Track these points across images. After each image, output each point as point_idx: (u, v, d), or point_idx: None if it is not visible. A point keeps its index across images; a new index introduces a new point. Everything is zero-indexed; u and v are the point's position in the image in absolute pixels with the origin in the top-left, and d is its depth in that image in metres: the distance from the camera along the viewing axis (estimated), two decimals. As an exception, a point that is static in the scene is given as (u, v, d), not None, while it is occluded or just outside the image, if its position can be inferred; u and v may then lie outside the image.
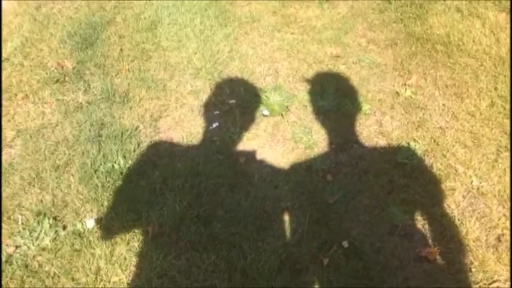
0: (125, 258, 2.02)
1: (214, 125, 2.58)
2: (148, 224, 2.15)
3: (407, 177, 2.25)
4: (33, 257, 2.06)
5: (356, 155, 2.40)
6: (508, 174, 2.22)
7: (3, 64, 3.11)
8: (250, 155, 2.45)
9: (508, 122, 2.44)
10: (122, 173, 2.38)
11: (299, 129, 2.55)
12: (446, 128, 2.47)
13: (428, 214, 2.11)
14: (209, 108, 2.70)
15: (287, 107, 2.68)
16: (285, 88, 2.79)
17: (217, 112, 2.68)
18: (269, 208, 2.19)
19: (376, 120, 2.55)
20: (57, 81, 2.95)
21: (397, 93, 2.68)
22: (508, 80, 2.62)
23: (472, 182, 2.22)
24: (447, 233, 2.03)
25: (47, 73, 3.00)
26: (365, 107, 2.60)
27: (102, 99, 2.81)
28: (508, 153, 2.31)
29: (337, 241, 2.04)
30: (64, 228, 2.17)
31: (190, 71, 2.95)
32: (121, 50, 3.17)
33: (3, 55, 3.19)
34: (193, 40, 3.18)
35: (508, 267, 1.90)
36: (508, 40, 2.85)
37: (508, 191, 2.16)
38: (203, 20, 3.35)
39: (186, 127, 2.62)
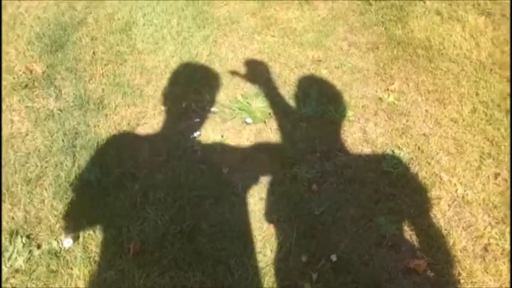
0: (105, 279, 1.92)
1: (195, 134, 2.49)
2: (129, 240, 2.05)
3: (393, 186, 2.23)
4: (6, 279, 1.94)
5: (341, 163, 2.36)
6: (492, 182, 2.23)
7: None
8: (234, 165, 2.38)
9: (490, 128, 2.45)
10: (99, 186, 2.26)
11: (283, 137, 2.49)
12: (430, 134, 2.46)
13: (415, 224, 2.09)
14: (189, 116, 2.61)
15: (269, 113, 2.61)
16: (267, 94, 2.72)
17: (198, 120, 2.59)
18: (255, 221, 2.13)
19: (360, 127, 2.52)
20: (25, 86, 2.79)
21: (380, 99, 2.65)
22: (489, 85, 2.63)
23: (457, 190, 2.21)
24: (434, 243, 2.02)
25: (14, 78, 2.83)
26: (349, 113, 2.57)
27: (75, 107, 2.67)
28: (491, 160, 2.31)
29: (325, 254, 1.99)
30: (38, 247, 2.05)
31: (168, 76, 2.85)
32: (93, 53, 3.03)
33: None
34: (171, 42, 3.07)
35: (496, 278, 1.90)
36: (488, 44, 2.86)
37: (493, 199, 2.16)
38: (180, 21, 3.24)
39: (166, 136, 2.52)
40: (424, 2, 3.28)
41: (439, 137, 2.44)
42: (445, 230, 2.06)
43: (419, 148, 2.39)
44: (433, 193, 2.20)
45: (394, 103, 2.62)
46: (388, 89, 2.70)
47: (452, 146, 2.39)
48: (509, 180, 2.23)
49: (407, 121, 2.53)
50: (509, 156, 2.32)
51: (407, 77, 2.77)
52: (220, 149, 2.44)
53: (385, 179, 2.26)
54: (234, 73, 2.85)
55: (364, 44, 3.04)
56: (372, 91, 2.72)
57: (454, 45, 2.92)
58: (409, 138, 2.44)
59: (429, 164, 2.32)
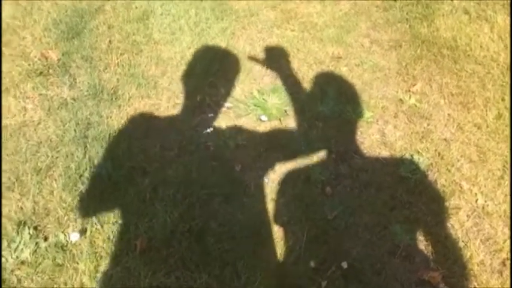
0: (111, 276, 1.89)
1: (208, 129, 2.44)
2: (137, 237, 2.01)
3: (411, 193, 2.15)
4: (12, 271, 1.92)
5: (357, 166, 2.29)
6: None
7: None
8: (246, 163, 2.32)
9: (515, 136, 2.34)
10: (109, 179, 2.23)
11: (298, 135, 2.42)
12: (451, 140, 2.36)
13: (431, 234, 2.01)
14: (203, 110, 2.56)
15: (285, 111, 2.54)
16: (284, 90, 2.65)
17: (212, 114, 2.53)
18: (265, 222, 2.07)
19: (378, 129, 2.44)
20: (40, 73, 2.76)
21: (400, 100, 2.56)
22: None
23: (477, 200, 2.12)
24: (450, 255, 1.94)
25: (29, 64, 2.81)
26: (367, 114, 2.48)
27: (88, 96, 2.64)
28: (515, 170, 2.21)
29: (336, 261, 1.93)
30: (45, 239, 2.02)
31: (184, 68, 2.79)
32: (110, 41, 2.98)
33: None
34: (188, 33, 3.01)
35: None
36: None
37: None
38: (198, 12, 3.17)
39: (179, 130, 2.46)
40: (452, 0, 3.14)
41: (460, 143, 2.34)
42: (463, 241, 1.97)
43: (439, 154, 2.29)
44: (452, 202, 2.11)
45: (415, 105, 2.52)
46: (409, 90, 2.60)
47: (474, 153, 2.29)
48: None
49: (428, 125, 2.43)
50: None
51: (431, 78, 2.67)
52: (234, 145, 2.38)
53: (402, 185, 2.18)
54: (251, 66, 2.77)
55: (386, 42, 2.93)
56: (393, 91, 2.62)
57: (481, 47, 2.80)
58: (430, 142, 2.35)
59: (449, 171, 2.22)
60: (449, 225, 2.04)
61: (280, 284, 1.86)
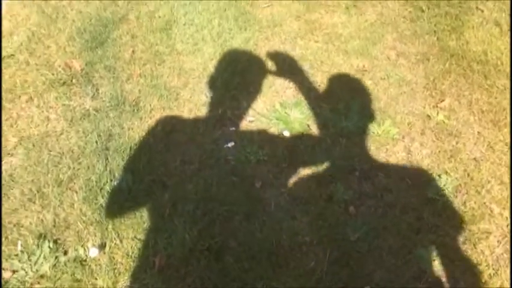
0: (129, 294, 1.87)
1: (229, 144, 2.40)
2: (155, 253, 1.99)
3: (438, 215, 2.07)
4: (31, 284, 1.91)
5: (381, 185, 2.22)
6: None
7: (8, 61, 2.93)
8: (267, 179, 2.28)
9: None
10: (129, 193, 2.21)
11: (320, 152, 2.36)
12: (482, 160, 2.27)
13: (459, 260, 1.93)
14: (224, 123, 2.52)
15: (308, 125, 2.49)
16: (307, 104, 2.59)
17: (233, 128, 2.49)
18: (286, 242, 2.02)
19: (404, 147, 2.36)
20: (64, 83, 2.77)
21: (428, 116, 2.48)
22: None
23: (508, 225, 2.04)
24: (479, 283, 1.85)
25: (53, 74, 2.82)
26: (393, 130, 2.41)
27: (111, 107, 2.63)
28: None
29: (358, 285, 1.87)
30: (65, 253, 2.02)
31: (206, 80, 2.76)
32: (133, 51, 2.98)
33: (9, 50, 3.00)
34: (210, 44, 2.98)
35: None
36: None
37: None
38: (221, 22, 3.14)
39: (200, 143, 2.44)
40: (482, 12, 3.04)
41: (491, 163, 2.25)
42: (493, 269, 1.89)
43: (468, 174, 2.21)
44: (482, 226, 2.02)
45: (443, 122, 2.44)
46: (437, 106, 2.52)
47: (505, 175, 2.20)
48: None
49: (457, 143, 2.35)
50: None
51: (460, 94, 2.58)
52: (255, 160, 2.34)
53: (429, 207, 2.10)
54: (273, 79, 2.73)
55: (413, 55, 2.85)
56: (420, 107, 2.54)
57: (513, 61, 2.70)
58: (458, 162, 2.26)
59: (479, 193, 2.14)
60: (478, 250, 1.95)
61: (301, 308, 1.81)
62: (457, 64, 2.73)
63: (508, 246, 1.96)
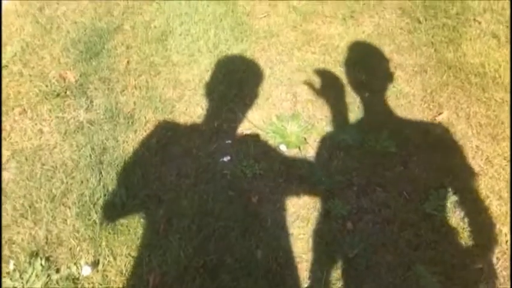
0: (122, 314, 1.83)
1: (225, 158, 2.37)
2: (149, 271, 1.96)
3: (436, 231, 2.05)
4: (23, 303, 1.87)
5: (379, 200, 2.19)
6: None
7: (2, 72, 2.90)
8: (264, 194, 2.25)
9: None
10: (123, 208, 2.18)
11: (318, 166, 2.33)
12: (480, 174, 2.25)
13: (458, 278, 1.90)
14: (221, 136, 2.49)
15: (305, 138, 2.46)
16: (304, 116, 2.57)
17: (230, 141, 2.46)
18: (283, 260, 1.99)
19: (402, 161, 2.34)
20: (57, 95, 2.73)
21: (426, 129, 2.45)
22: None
23: (507, 241, 2.01)
24: (480, 302, 1.82)
25: (47, 85, 2.78)
26: (390, 144, 2.38)
27: (105, 119, 2.60)
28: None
29: (357, 305, 1.84)
30: (57, 271, 1.98)
31: (202, 92, 2.73)
32: (128, 62, 2.95)
33: (2, 61, 2.97)
34: (206, 55, 2.96)
35: None
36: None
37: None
38: (218, 32, 3.12)
39: (195, 157, 2.40)
40: (480, 23, 3.03)
41: (490, 177, 2.23)
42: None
43: (467, 189, 2.18)
44: (481, 243, 1.99)
45: (441, 135, 2.41)
46: (435, 119, 2.50)
47: (504, 190, 2.18)
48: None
49: (455, 157, 2.32)
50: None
51: (458, 107, 2.56)
52: (251, 175, 2.31)
53: (427, 223, 2.07)
54: (270, 91, 2.70)
55: (411, 66, 2.83)
56: (417, 120, 2.52)
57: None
58: (456, 177, 2.24)
59: (478, 208, 2.11)
60: (478, 268, 1.92)
61: (298, 328, 1.77)
62: (454, 76, 2.71)
63: (507, 263, 1.94)
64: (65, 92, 2.76)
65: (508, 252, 1.97)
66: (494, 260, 1.95)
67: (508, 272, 1.91)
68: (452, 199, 2.14)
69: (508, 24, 3.00)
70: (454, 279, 1.90)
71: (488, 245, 2.00)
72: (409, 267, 1.94)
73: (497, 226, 2.05)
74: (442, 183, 2.22)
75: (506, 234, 2.02)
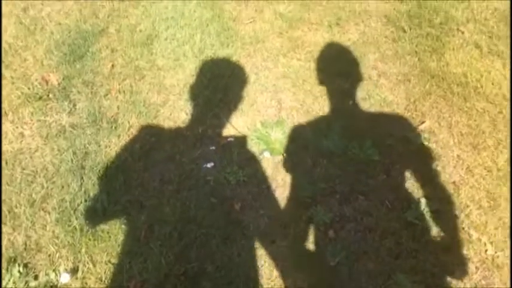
0: (101, 322, 1.80)
1: (209, 165, 2.36)
2: (130, 279, 1.94)
3: (417, 240, 2.06)
4: (-1, 311, 1.84)
5: (361, 208, 2.20)
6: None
7: (-17, 74, 2.85)
8: (247, 201, 2.24)
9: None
10: (104, 214, 2.15)
11: (301, 173, 2.34)
12: (461, 183, 2.27)
13: (438, 287, 1.91)
14: (205, 142, 2.48)
15: (289, 146, 2.46)
16: (288, 123, 2.57)
17: (214, 148, 2.46)
18: (264, 268, 1.99)
19: (384, 169, 2.35)
20: (40, 98, 2.70)
21: (408, 138, 2.47)
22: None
23: (486, 250, 2.03)
24: (458, 311, 1.84)
25: (29, 88, 2.75)
26: (373, 152, 2.40)
27: (88, 124, 2.57)
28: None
29: (337, 313, 1.84)
30: (35, 278, 1.96)
31: (186, 97, 2.72)
32: (112, 66, 2.92)
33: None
34: (192, 60, 2.95)
35: None
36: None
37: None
38: (203, 37, 3.11)
39: (179, 163, 2.39)
40: (463, 33, 3.06)
41: (470, 187, 2.25)
42: (471, 297, 1.88)
43: (447, 199, 2.20)
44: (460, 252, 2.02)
45: (423, 145, 2.43)
46: (418, 128, 2.52)
47: (484, 199, 2.21)
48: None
49: (436, 166, 2.34)
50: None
51: (440, 116, 2.58)
52: (234, 181, 2.30)
53: (408, 232, 2.09)
54: (255, 97, 2.70)
55: (395, 75, 2.86)
56: (400, 129, 2.54)
57: (493, 84, 2.72)
58: (437, 186, 2.26)
59: (457, 217, 2.13)
60: (457, 277, 1.94)
61: (278, 337, 1.77)
62: (437, 85, 2.74)
63: (486, 273, 1.96)
64: (48, 95, 2.73)
65: (487, 261, 1.99)
66: (473, 269, 1.97)
67: (487, 281, 1.93)
68: (433, 208, 2.15)
69: (491, 34, 3.03)
70: (433, 287, 1.91)
71: (468, 255, 2.02)
72: (389, 276, 1.95)
73: (477, 235, 2.07)
74: (424, 192, 2.24)
75: (485, 244, 2.05)
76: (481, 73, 2.78)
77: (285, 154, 2.42)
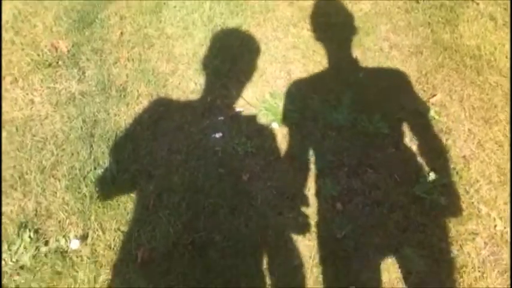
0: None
1: (217, 135, 2.35)
2: (138, 246, 1.97)
3: (425, 214, 2.06)
4: (10, 275, 1.88)
5: (370, 181, 2.20)
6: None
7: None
8: (255, 172, 2.24)
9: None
10: (113, 182, 2.17)
11: (309, 145, 2.32)
12: (471, 158, 2.25)
13: (446, 261, 1.92)
14: (213, 112, 2.47)
15: (298, 117, 2.44)
16: (297, 95, 2.54)
17: (222, 118, 2.44)
18: (271, 239, 2.00)
19: (393, 143, 2.33)
20: (49, 65, 2.69)
21: (419, 111, 2.44)
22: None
23: (495, 226, 2.02)
24: (466, 286, 1.85)
25: (39, 55, 2.74)
26: (383, 125, 2.37)
27: (97, 91, 2.57)
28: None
29: (343, 285, 1.86)
30: (46, 243, 1.98)
31: (195, 66, 2.69)
32: (121, 33, 2.89)
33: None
34: (201, 29, 2.90)
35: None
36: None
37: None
38: (213, 6, 3.05)
39: (187, 132, 2.39)
40: (478, 5, 2.98)
41: (480, 161, 2.23)
42: (479, 271, 1.89)
43: (457, 173, 2.19)
44: (469, 227, 2.01)
45: (434, 118, 2.40)
46: (429, 101, 2.48)
47: (494, 174, 2.19)
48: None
49: (447, 140, 2.32)
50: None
51: (452, 89, 2.54)
52: (242, 152, 2.30)
53: (416, 206, 2.08)
54: (264, 67, 2.67)
55: (407, 47, 2.80)
56: (411, 102, 2.50)
57: (506, 57, 2.66)
58: (448, 160, 2.24)
59: (467, 192, 2.12)
60: (465, 251, 1.94)
61: (284, 306, 1.79)
62: (450, 58, 2.68)
63: (495, 248, 1.96)
64: (57, 62, 2.72)
65: (496, 236, 1.99)
66: (482, 245, 1.97)
67: (495, 257, 1.93)
68: (442, 182, 2.14)
69: (506, 6, 2.95)
70: (441, 262, 1.92)
71: (476, 230, 2.01)
72: (397, 249, 1.96)
73: (486, 210, 2.06)
74: (433, 166, 2.22)
75: (495, 219, 2.04)
76: (495, 46, 2.71)
77: (293, 125, 2.39)
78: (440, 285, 1.84)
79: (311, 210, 2.08)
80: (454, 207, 2.07)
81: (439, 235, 1.98)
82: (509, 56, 2.66)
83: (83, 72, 2.68)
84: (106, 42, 2.85)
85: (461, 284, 1.85)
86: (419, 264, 1.89)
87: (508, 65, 2.61)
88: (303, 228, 2.01)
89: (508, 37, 2.76)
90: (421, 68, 2.67)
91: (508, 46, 2.72)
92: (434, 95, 2.51)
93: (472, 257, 1.92)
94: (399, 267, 1.90)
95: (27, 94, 2.56)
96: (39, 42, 2.85)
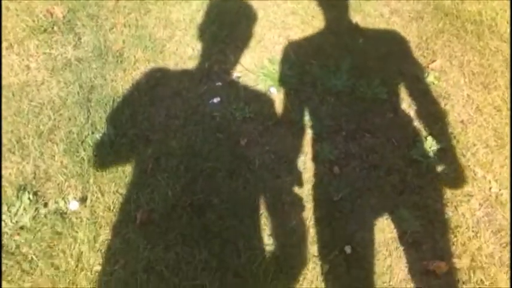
0: (110, 247, 1.86)
1: (215, 100, 2.35)
2: (137, 208, 1.98)
3: (421, 177, 2.07)
4: (11, 235, 1.90)
5: (367, 146, 2.20)
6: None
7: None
8: (252, 137, 2.24)
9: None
10: (111, 147, 2.17)
11: (308, 110, 2.32)
12: (469, 122, 2.25)
13: (440, 222, 1.95)
14: (211, 78, 2.46)
15: (296, 83, 2.43)
16: (296, 61, 2.53)
17: (220, 83, 2.43)
18: (268, 201, 2.02)
19: (392, 108, 2.33)
20: (44, 31, 2.66)
21: (418, 77, 2.43)
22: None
23: (490, 188, 2.04)
24: (459, 245, 1.88)
25: (34, 20, 2.70)
26: (381, 90, 2.37)
27: (93, 57, 2.54)
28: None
29: (339, 245, 1.88)
30: (45, 205, 1.99)
31: (193, 32, 2.67)
32: (117, -1, 2.85)
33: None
34: (198, -6, 2.86)
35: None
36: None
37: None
38: (211, -30, 3.00)
39: (185, 98, 2.38)
40: (480, -31, 2.94)
41: (478, 126, 2.24)
42: (473, 231, 1.91)
43: (455, 137, 2.19)
44: (464, 189, 2.03)
45: (433, 83, 2.40)
46: (428, 67, 2.47)
47: (491, 138, 2.19)
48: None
49: (445, 105, 2.32)
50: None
51: (452, 55, 2.52)
52: (240, 117, 2.29)
53: (413, 169, 2.10)
54: (262, 33, 2.64)
55: (407, 12, 2.77)
56: (411, 67, 2.49)
57: (507, 23, 2.63)
58: (445, 124, 2.24)
59: (464, 156, 2.13)
60: (460, 213, 1.96)
61: (281, 266, 1.81)
62: (450, 24, 2.66)
63: (489, 210, 1.98)
64: (52, 28, 2.68)
65: (491, 198, 2.01)
66: (477, 206, 1.99)
67: (490, 217, 1.95)
68: (439, 146, 2.15)
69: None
70: (435, 223, 1.94)
71: (472, 192, 2.03)
72: (392, 211, 1.98)
73: (482, 173, 2.08)
74: (431, 131, 2.22)
75: (490, 181, 2.06)
76: (496, 11, 2.69)
77: (292, 91, 2.38)
78: (434, 244, 1.87)
79: (309, 174, 2.09)
80: (450, 171, 2.08)
81: (434, 197, 2.01)
82: (509, 21, 2.63)
83: (79, 38, 2.65)
84: (102, 8, 2.81)
85: (455, 243, 1.87)
86: (414, 225, 1.92)
87: (509, 30, 2.59)
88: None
89: (509, 2, 2.73)
90: (421, 33, 2.65)
91: (509, 12, 2.69)
92: (434, 61, 2.50)
93: (466, 218, 1.94)
94: (394, 228, 1.92)
95: (22, 60, 2.54)
96: (34, 8, 2.81)
